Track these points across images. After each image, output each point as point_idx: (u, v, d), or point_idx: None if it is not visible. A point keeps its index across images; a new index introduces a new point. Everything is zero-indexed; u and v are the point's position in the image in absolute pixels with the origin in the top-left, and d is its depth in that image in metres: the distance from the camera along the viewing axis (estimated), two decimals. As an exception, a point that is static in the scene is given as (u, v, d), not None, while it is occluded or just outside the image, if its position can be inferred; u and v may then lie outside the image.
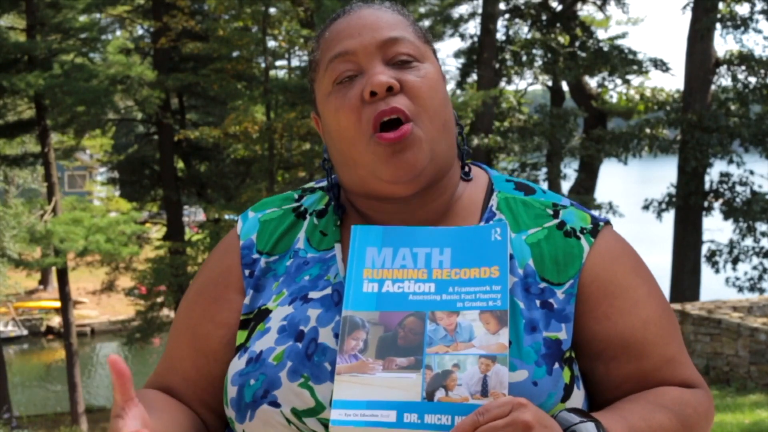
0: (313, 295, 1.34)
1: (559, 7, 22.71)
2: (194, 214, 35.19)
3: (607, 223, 1.40)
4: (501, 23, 22.23)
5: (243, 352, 1.34)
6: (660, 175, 25.74)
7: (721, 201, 19.89)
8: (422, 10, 20.84)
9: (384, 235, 1.33)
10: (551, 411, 1.22)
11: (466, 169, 1.45)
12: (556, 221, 1.38)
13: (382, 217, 1.39)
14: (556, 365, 1.26)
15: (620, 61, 21.55)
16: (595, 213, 1.42)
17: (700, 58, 19.64)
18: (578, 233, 1.37)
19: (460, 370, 1.20)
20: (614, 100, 23.54)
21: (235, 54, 20.46)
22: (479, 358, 1.20)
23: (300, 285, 1.36)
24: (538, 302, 1.30)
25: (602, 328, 1.32)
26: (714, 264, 19.78)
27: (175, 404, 1.39)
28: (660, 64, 21.97)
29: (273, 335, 1.32)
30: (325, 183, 1.49)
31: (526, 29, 22.98)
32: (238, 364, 1.33)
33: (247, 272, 1.40)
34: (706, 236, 20.02)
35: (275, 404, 1.26)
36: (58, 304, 24.75)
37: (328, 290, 1.34)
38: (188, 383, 1.41)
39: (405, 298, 1.27)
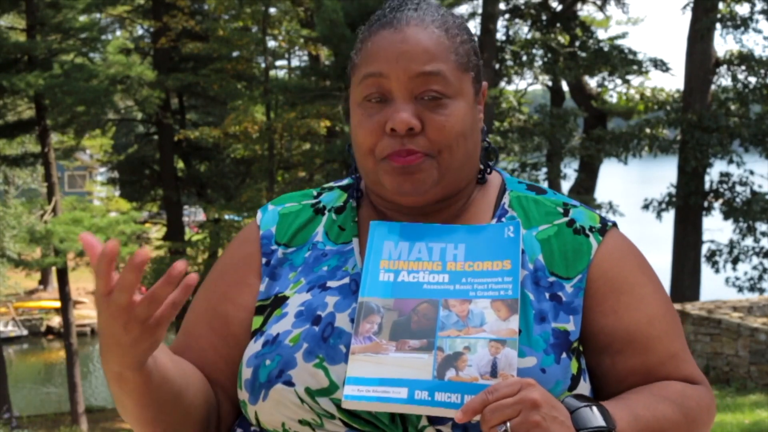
0: (331, 284, 1.39)
1: (559, 7, 22.70)
2: (194, 214, 35.20)
3: (615, 224, 1.45)
4: (501, 23, 22.22)
5: (259, 335, 1.37)
6: (660, 175, 25.72)
7: (721, 201, 19.88)
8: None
9: (401, 230, 1.39)
10: (558, 398, 1.25)
11: (485, 171, 1.49)
12: (566, 219, 1.42)
13: (397, 215, 1.44)
14: (564, 355, 1.30)
15: (620, 61, 21.53)
16: (604, 215, 1.47)
17: (700, 58, 19.63)
18: (587, 231, 1.41)
19: (471, 352, 1.24)
20: (614, 100, 23.54)
21: (235, 54, 20.47)
22: (489, 342, 1.25)
23: (318, 274, 1.41)
24: (547, 295, 1.35)
25: (609, 322, 1.36)
26: (714, 264, 19.78)
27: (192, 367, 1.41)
28: (660, 64, 21.96)
29: (290, 319, 1.36)
30: (344, 182, 1.55)
31: (526, 29, 22.98)
32: (253, 347, 1.36)
33: (264, 260, 1.45)
34: (706, 236, 20.02)
35: (289, 383, 1.30)
36: (58, 304, 24.75)
37: (346, 280, 1.39)
38: (204, 362, 1.42)
39: (419, 287, 1.32)
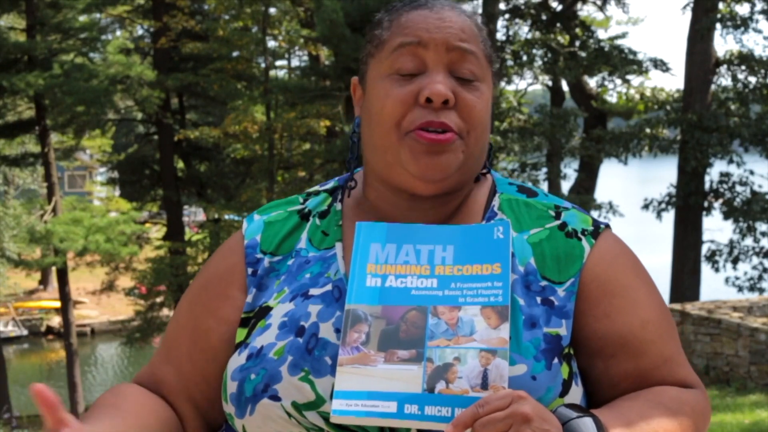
0: (314, 291, 1.36)
1: (559, 7, 22.70)
2: (194, 214, 35.23)
3: (608, 226, 1.43)
4: (501, 23, 22.22)
5: (243, 348, 1.35)
6: (660, 175, 25.73)
7: (721, 201, 19.88)
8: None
9: (388, 232, 1.35)
10: (550, 406, 1.23)
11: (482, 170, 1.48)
12: (557, 222, 1.40)
13: (392, 210, 1.41)
14: (555, 360, 1.27)
15: (620, 61, 21.52)
16: (596, 217, 1.44)
17: (700, 58, 19.63)
18: (580, 234, 1.38)
19: (461, 363, 1.22)
20: (614, 100, 23.53)
21: (235, 54, 20.48)
22: (480, 352, 1.22)
23: (301, 283, 1.38)
24: (538, 299, 1.32)
25: (602, 326, 1.34)
26: (714, 264, 19.77)
27: (149, 403, 1.39)
28: (660, 64, 21.96)
29: (274, 331, 1.33)
30: (329, 185, 1.51)
31: (526, 29, 22.98)
32: (238, 360, 1.34)
33: (250, 270, 1.42)
34: (706, 236, 20.01)
35: (276, 398, 1.27)
36: (58, 304, 24.76)
37: (329, 287, 1.36)
38: (181, 377, 1.41)
39: (407, 293, 1.29)
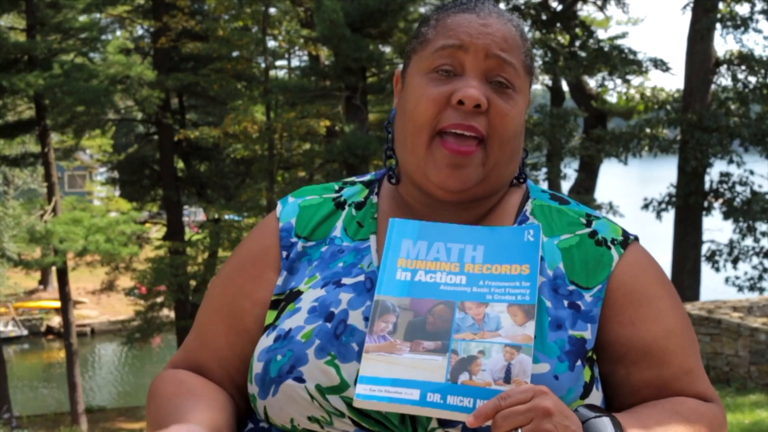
0: (346, 280, 1.38)
1: (559, 7, 22.70)
2: (194, 214, 35.22)
3: (636, 238, 1.45)
4: (501, 23, 22.20)
5: (271, 330, 1.36)
6: (660, 175, 25.73)
7: (721, 201, 19.88)
8: (422, 10, 20.84)
9: (420, 229, 1.38)
10: (570, 406, 1.25)
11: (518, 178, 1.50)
12: (588, 230, 1.42)
13: (423, 209, 1.43)
14: (579, 363, 1.30)
15: (620, 61, 21.51)
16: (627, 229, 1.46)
17: (700, 58, 19.63)
18: (609, 243, 1.41)
19: (485, 357, 1.24)
20: (614, 100, 23.53)
21: (235, 54, 20.48)
22: (504, 347, 1.25)
23: (333, 271, 1.40)
24: (565, 302, 1.34)
25: (626, 333, 1.36)
26: (714, 264, 19.78)
27: (214, 387, 1.40)
28: (660, 64, 21.95)
29: (303, 315, 1.35)
30: (366, 177, 1.53)
31: (526, 29, 22.97)
32: (265, 341, 1.35)
33: (284, 254, 1.43)
34: (706, 236, 20.02)
35: (300, 380, 1.29)
36: (58, 304, 24.76)
37: (361, 277, 1.38)
38: (221, 361, 1.42)
39: (436, 288, 1.32)
